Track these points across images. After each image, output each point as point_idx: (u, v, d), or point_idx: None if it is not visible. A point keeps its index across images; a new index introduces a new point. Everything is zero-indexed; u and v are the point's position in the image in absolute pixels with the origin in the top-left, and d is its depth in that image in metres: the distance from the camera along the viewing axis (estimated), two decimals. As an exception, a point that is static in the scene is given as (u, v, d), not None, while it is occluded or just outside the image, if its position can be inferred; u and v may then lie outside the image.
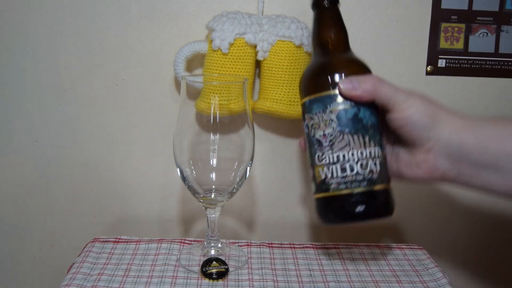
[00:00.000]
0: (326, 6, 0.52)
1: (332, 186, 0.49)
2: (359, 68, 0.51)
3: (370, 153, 0.48)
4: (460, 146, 0.46)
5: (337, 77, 0.49)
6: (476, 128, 0.46)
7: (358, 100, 0.48)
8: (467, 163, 0.46)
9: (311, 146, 0.51)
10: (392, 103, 0.47)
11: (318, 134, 0.49)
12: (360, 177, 0.48)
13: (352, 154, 0.48)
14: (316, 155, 0.50)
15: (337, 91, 0.48)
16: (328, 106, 0.49)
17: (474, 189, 0.47)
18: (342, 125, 0.48)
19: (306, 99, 0.51)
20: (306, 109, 0.51)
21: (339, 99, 0.48)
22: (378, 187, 0.49)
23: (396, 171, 0.51)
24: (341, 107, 0.48)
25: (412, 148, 0.49)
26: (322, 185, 0.50)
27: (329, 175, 0.49)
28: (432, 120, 0.46)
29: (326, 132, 0.49)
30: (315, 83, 0.51)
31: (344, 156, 0.48)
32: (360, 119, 0.48)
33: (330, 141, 0.49)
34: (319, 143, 0.50)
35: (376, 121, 0.49)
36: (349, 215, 0.49)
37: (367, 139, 0.48)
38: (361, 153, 0.48)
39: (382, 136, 0.50)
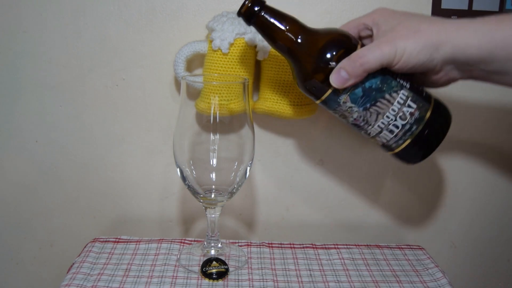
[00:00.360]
0: (256, 12, 0.50)
1: (393, 145, 0.51)
2: (332, 46, 0.49)
3: (399, 102, 0.49)
4: (466, 60, 0.46)
5: (325, 77, 0.49)
6: (479, 40, 0.45)
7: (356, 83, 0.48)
8: (477, 70, 0.47)
9: (354, 129, 0.52)
10: (386, 62, 0.47)
11: (350, 121, 0.51)
12: (408, 125, 0.49)
13: (387, 117, 0.49)
14: (363, 133, 0.52)
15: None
16: (338, 100, 0.50)
17: (489, 83, 0.49)
18: (361, 104, 0.49)
19: (317, 102, 0.52)
20: (325, 108, 0.52)
21: (342, 89, 0.49)
22: (426, 117, 0.50)
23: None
24: (348, 93, 0.49)
25: (424, 73, 0.49)
26: (386, 147, 0.52)
27: (384, 141, 0.51)
28: (429, 51, 0.46)
29: (354, 117, 0.50)
30: (312, 90, 0.51)
31: (382, 123, 0.49)
32: (370, 89, 0.48)
33: (363, 120, 0.50)
34: (357, 125, 0.51)
35: (383, 76, 0.49)
36: (423, 154, 0.51)
37: (387, 96, 0.49)
38: (393, 110, 0.49)
39: (396, 76, 0.50)
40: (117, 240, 0.63)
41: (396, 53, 0.46)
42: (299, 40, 0.50)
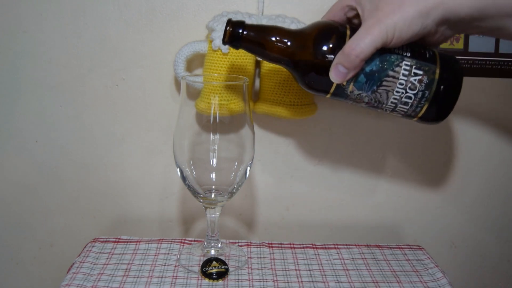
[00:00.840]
0: (240, 35, 0.50)
1: (413, 114, 0.50)
2: (318, 41, 0.49)
3: (404, 74, 0.48)
4: (459, 19, 0.46)
5: (326, 73, 0.48)
6: (469, 0, 0.45)
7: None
8: (470, 27, 0.47)
9: (371, 109, 0.52)
10: (379, 45, 0.46)
11: (364, 105, 0.51)
12: (420, 93, 0.49)
13: (397, 92, 0.49)
14: (380, 111, 0.52)
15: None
16: (345, 91, 0.50)
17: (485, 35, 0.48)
18: (368, 89, 0.49)
19: (327, 97, 0.52)
20: (336, 99, 0.52)
21: (345, 82, 0.49)
22: (436, 78, 0.49)
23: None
24: (352, 83, 0.49)
25: (420, 38, 0.49)
26: (407, 117, 0.51)
27: (403, 112, 0.51)
28: (420, 20, 0.45)
29: (365, 101, 0.50)
30: (318, 88, 0.51)
31: (395, 98, 0.49)
32: (372, 72, 0.48)
33: (375, 102, 0.50)
34: (372, 107, 0.51)
35: (380, 55, 0.48)
36: (445, 110, 0.50)
37: (391, 72, 0.48)
38: (401, 84, 0.48)
39: (394, 49, 0.49)
40: (117, 240, 0.63)
41: (387, 33, 0.45)
42: (289, 46, 0.50)
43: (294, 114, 0.64)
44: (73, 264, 0.57)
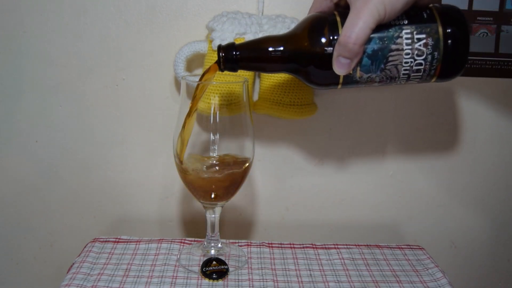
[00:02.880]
0: (234, 57, 0.49)
1: (428, 78, 0.49)
2: (311, 38, 0.48)
3: (407, 43, 0.47)
4: None
5: (330, 65, 0.47)
6: None
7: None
8: None
9: (386, 86, 0.51)
10: (373, 25, 0.45)
11: (377, 85, 0.50)
12: (429, 57, 0.47)
13: (406, 62, 0.47)
14: (396, 84, 0.51)
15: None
16: (354, 78, 0.48)
17: None
18: (376, 70, 0.48)
19: (338, 88, 0.51)
20: (349, 87, 0.51)
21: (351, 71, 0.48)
22: (440, 36, 0.47)
23: None
24: (358, 69, 0.48)
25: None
26: (424, 81, 0.50)
27: (418, 79, 0.49)
28: None
29: (377, 81, 0.49)
30: (327, 83, 0.50)
31: (405, 69, 0.48)
32: (374, 52, 0.47)
33: (387, 78, 0.49)
34: (386, 84, 0.50)
35: (378, 33, 0.47)
36: (462, 63, 0.49)
37: (393, 46, 0.47)
38: (407, 54, 0.47)
39: (391, 22, 0.48)
40: (117, 240, 0.63)
41: (378, 11, 0.44)
42: (285, 51, 0.49)
43: (294, 114, 0.64)
44: (73, 264, 0.57)
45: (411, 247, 0.64)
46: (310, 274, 0.56)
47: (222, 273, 0.54)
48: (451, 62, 0.48)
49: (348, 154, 0.73)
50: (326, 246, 0.63)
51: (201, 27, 0.66)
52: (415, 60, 0.47)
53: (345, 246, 0.63)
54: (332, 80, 0.49)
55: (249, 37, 0.61)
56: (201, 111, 0.58)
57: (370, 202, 0.75)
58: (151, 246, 0.61)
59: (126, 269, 0.56)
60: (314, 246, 0.63)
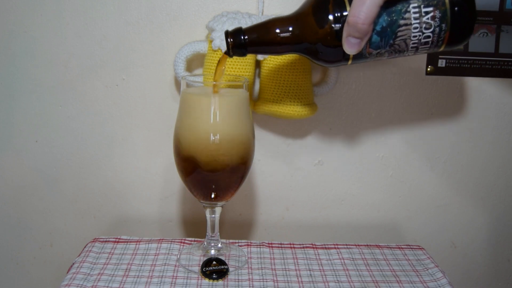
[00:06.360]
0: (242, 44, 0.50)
1: (436, 48, 0.49)
2: (318, 14, 0.48)
3: (415, 17, 0.47)
4: None
5: (339, 42, 0.47)
6: None
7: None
8: None
9: (396, 58, 0.51)
10: (381, 1, 0.45)
11: (387, 58, 0.50)
12: (437, 29, 0.47)
13: (415, 36, 0.47)
14: (404, 57, 0.50)
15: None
16: (364, 54, 0.48)
17: None
18: (385, 45, 0.48)
19: (349, 64, 0.51)
20: (358, 62, 0.51)
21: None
22: (447, 6, 0.47)
23: None
24: (368, 46, 0.48)
25: None
26: (433, 51, 0.50)
27: (427, 50, 0.49)
28: None
29: (386, 56, 0.49)
30: (338, 60, 0.50)
31: (414, 43, 0.48)
32: (383, 29, 0.47)
33: (396, 52, 0.49)
34: (395, 57, 0.50)
35: (386, 9, 0.47)
36: (469, 30, 0.49)
37: (402, 21, 0.47)
38: (415, 28, 0.47)
39: None
40: (117, 240, 0.63)
41: None
42: (293, 31, 0.49)
43: (294, 114, 0.64)
44: (73, 264, 0.57)
45: (411, 247, 0.64)
46: (310, 274, 0.56)
47: (222, 273, 0.54)
48: (458, 30, 0.48)
49: (347, 154, 0.73)
50: (326, 246, 0.63)
51: (201, 27, 0.66)
52: (423, 33, 0.47)
53: (345, 246, 0.63)
54: (342, 57, 0.49)
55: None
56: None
57: (370, 202, 0.75)
58: (151, 246, 0.61)
59: (126, 269, 0.56)
60: (314, 246, 0.63)
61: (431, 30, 0.47)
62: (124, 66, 0.68)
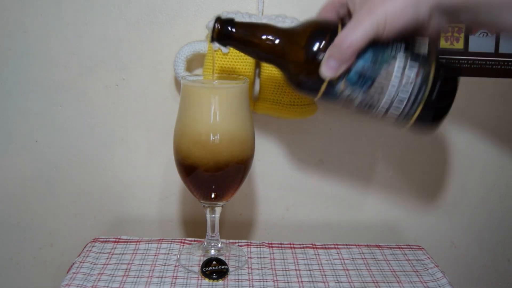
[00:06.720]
0: (230, 31, 0.49)
1: (407, 117, 0.48)
2: (314, 38, 0.47)
3: (399, 67, 0.46)
4: (453, 6, 0.45)
5: (316, 72, 0.46)
6: None
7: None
8: (463, 13, 0.45)
9: (360, 114, 0.50)
10: (371, 35, 0.44)
11: (355, 107, 0.49)
12: (416, 90, 0.46)
13: (390, 89, 0.46)
14: (372, 116, 0.49)
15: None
16: (336, 91, 0.47)
17: (477, 27, 0.46)
18: (360, 87, 0.46)
19: (316, 99, 0.50)
20: (326, 102, 0.50)
21: (336, 79, 0.46)
22: (431, 74, 0.46)
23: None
24: (343, 81, 0.46)
25: (414, 31, 0.47)
26: (400, 122, 0.49)
27: (396, 115, 0.48)
28: (412, 8, 0.44)
29: (357, 103, 0.48)
30: (308, 89, 0.49)
31: (388, 97, 0.46)
32: (364, 68, 0.46)
33: (366, 105, 0.48)
34: (363, 110, 0.49)
35: (373, 49, 0.46)
36: (442, 112, 0.48)
37: (383, 71, 0.46)
38: (393, 80, 0.46)
39: (387, 41, 0.47)
40: (117, 240, 0.63)
41: (378, 23, 0.44)
42: (279, 44, 0.48)
43: (294, 114, 0.64)
44: (73, 264, 0.57)
45: (411, 247, 0.64)
46: (310, 274, 0.56)
47: (222, 273, 0.54)
48: (433, 106, 0.47)
49: (348, 154, 0.73)
50: (326, 246, 0.63)
51: (201, 27, 0.66)
52: (401, 87, 0.46)
53: (345, 246, 0.63)
54: (314, 86, 0.48)
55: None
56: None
57: (370, 202, 0.75)
58: (151, 246, 0.61)
59: (126, 269, 0.56)
60: (314, 246, 0.63)
61: (409, 89, 0.46)
62: (124, 66, 0.68)
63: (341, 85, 0.47)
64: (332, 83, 0.47)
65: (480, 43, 0.70)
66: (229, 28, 0.49)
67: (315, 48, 0.47)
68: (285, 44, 0.49)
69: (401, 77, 0.46)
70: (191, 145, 0.53)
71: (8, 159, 0.71)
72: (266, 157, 0.72)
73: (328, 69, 0.46)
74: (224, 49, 0.61)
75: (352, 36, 0.44)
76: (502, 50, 0.70)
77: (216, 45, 0.61)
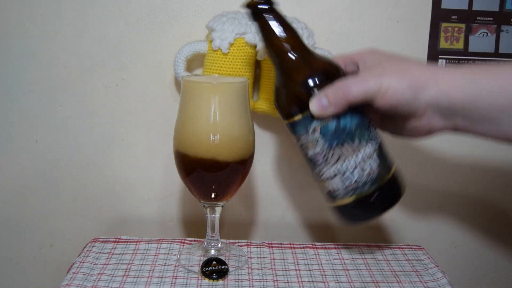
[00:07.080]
0: (265, 8, 0.49)
1: (337, 197, 0.50)
2: (322, 73, 0.48)
3: (365, 153, 0.48)
4: (450, 105, 0.45)
5: (304, 100, 0.48)
6: (463, 86, 0.45)
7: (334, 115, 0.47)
8: (460, 118, 0.46)
9: (308, 164, 0.51)
10: (369, 94, 0.46)
11: (310, 154, 0.50)
12: (362, 182, 0.48)
13: (349, 162, 0.48)
14: (315, 172, 0.51)
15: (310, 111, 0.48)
16: (308, 127, 0.48)
17: (472, 136, 0.47)
18: (329, 140, 0.48)
19: (286, 122, 0.51)
20: (290, 130, 0.51)
21: (316, 117, 0.48)
22: (383, 180, 0.49)
23: (395, 133, 0.52)
24: (321, 124, 0.47)
25: (405, 117, 0.48)
26: (329, 197, 0.51)
27: (332, 188, 0.50)
28: (414, 91, 0.45)
29: (316, 151, 0.49)
30: (287, 108, 0.50)
31: (341, 166, 0.48)
32: (344, 128, 0.47)
33: (323, 157, 0.49)
34: (314, 161, 0.50)
35: (359, 118, 0.48)
36: (363, 217, 0.51)
37: (356, 142, 0.48)
38: (356, 156, 0.48)
39: (371, 126, 0.49)
40: (117, 240, 0.63)
41: (380, 87, 0.45)
42: (293, 55, 0.49)
43: (294, 114, 0.64)
44: (73, 264, 0.57)
45: (411, 247, 0.64)
46: (310, 274, 0.56)
47: (222, 273, 0.54)
48: (362, 206, 0.49)
49: (348, 154, 0.73)
50: (326, 246, 0.63)
51: (201, 27, 0.66)
52: (355, 169, 0.48)
53: (345, 246, 0.63)
54: (291, 111, 0.49)
55: (249, 37, 0.61)
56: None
57: (370, 202, 0.75)
58: (151, 246, 0.61)
59: (126, 269, 0.56)
60: (314, 246, 0.63)
61: (360, 175, 0.48)
62: (124, 66, 0.68)
63: (315, 126, 0.48)
64: (310, 119, 0.48)
65: (480, 43, 0.70)
66: (266, 7, 0.49)
67: (318, 81, 0.48)
68: (297, 59, 0.49)
69: (360, 161, 0.48)
70: (191, 145, 0.53)
71: (8, 159, 0.71)
72: (266, 157, 0.72)
73: (317, 105, 0.47)
74: (224, 49, 0.61)
75: (352, 86, 0.46)
76: (502, 50, 0.70)
77: (216, 43, 0.61)
